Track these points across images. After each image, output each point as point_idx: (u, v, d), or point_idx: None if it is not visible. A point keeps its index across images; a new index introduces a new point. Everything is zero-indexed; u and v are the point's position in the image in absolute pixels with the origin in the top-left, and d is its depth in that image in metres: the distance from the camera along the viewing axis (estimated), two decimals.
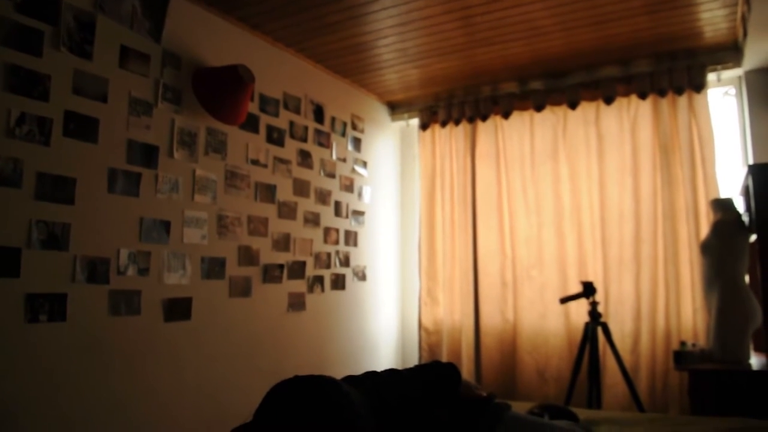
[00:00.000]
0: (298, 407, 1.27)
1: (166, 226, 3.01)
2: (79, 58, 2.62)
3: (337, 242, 4.36)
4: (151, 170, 2.95)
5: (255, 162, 3.63)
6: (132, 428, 2.76)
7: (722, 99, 4.24)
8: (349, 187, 4.54)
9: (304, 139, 4.08)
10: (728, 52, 3.97)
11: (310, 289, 4.03)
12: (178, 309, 3.05)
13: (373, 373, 1.78)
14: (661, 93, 4.13)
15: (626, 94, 4.28)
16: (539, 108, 4.54)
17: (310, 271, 4.05)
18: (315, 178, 4.16)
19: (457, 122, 4.90)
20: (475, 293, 4.69)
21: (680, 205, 4.04)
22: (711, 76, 4.05)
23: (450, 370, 1.83)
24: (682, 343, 3.48)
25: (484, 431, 1.67)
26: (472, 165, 4.83)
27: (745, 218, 3.37)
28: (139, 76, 2.92)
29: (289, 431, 1.24)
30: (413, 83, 4.73)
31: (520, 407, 2.22)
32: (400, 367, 1.92)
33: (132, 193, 2.84)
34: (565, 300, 3.82)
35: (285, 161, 3.88)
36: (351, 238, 4.53)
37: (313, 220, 4.10)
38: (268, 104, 3.77)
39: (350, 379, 1.68)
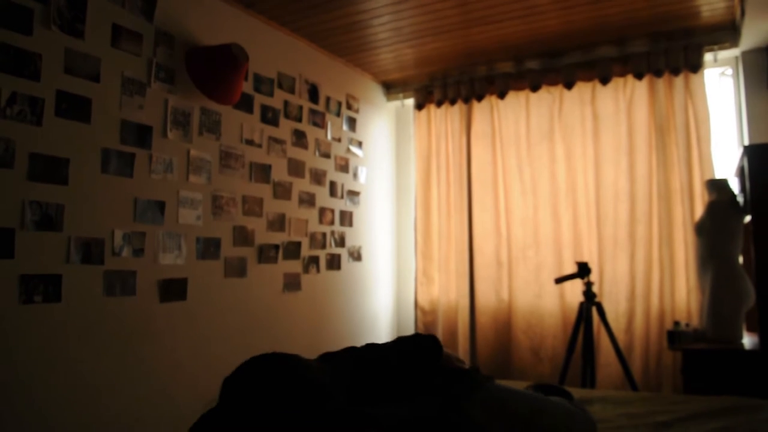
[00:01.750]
0: (257, 389, 1.30)
1: (161, 206, 3.00)
2: (70, 36, 2.59)
3: (332, 222, 4.36)
4: (144, 150, 2.93)
5: (249, 142, 3.61)
6: (128, 408, 2.77)
7: (719, 79, 4.23)
8: (344, 167, 4.53)
9: (299, 119, 4.06)
10: (725, 32, 3.95)
11: (306, 270, 4.04)
12: (173, 289, 3.05)
13: (351, 348, 1.79)
14: (658, 73, 4.11)
15: (622, 75, 4.26)
16: (535, 88, 4.52)
17: (306, 251, 4.05)
18: (310, 158, 4.14)
19: (452, 102, 4.88)
20: (470, 273, 4.70)
21: (675, 186, 4.04)
22: (708, 57, 4.03)
23: (429, 342, 1.84)
24: (676, 323, 3.50)
25: (457, 397, 1.68)
26: (467, 145, 4.81)
27: (740, 199, 3.38)
28: (131, 55, 2.89)
29: (252, 413, 1.26)
30: (408, 63, 4.70)
31: (514, 386, 2.23)
32: None
33: (126, 174, 2.83)
34: (560, 280, 3.83)
35: (280, 141, 3.86)
36: (346, 218, 4.53)
37: (308, 200, 4.10)
38: (262, 84, 3.74)
39: (326, 355, 1.70)
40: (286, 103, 3.93)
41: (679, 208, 4.01)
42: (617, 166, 4.24)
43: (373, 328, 4.80)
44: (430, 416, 1.53)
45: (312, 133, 4.18)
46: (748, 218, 3.27)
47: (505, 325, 4.55)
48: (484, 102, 4.76)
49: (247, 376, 1.36)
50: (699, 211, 3.88)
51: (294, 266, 3.94)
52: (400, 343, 1.84)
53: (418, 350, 1.81)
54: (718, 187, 3.47)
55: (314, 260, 4.13)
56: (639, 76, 4.17)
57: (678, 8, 3.69)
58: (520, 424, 1.68)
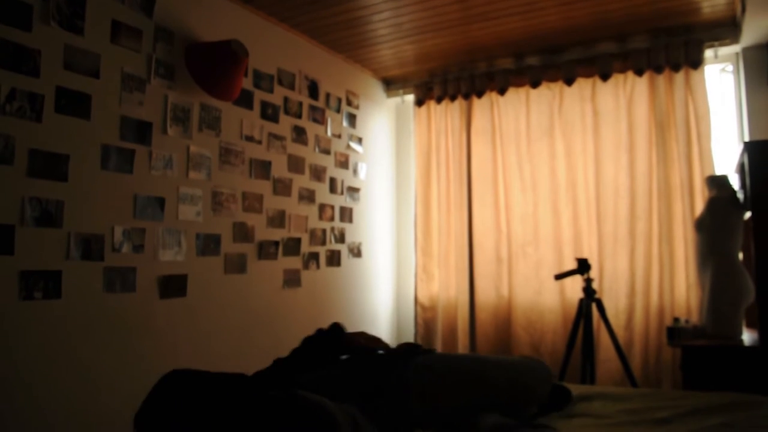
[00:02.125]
0: (180, 402, 1.46)
1: (161, 202, 3.00)
2: (69, 32, 2.58)
3: (332, 219, 4.36)
4: (144, 147, 2.93)
5: (249, 138, 3.61)
6: (128, 405, 2.76)
7: (719, 76, 4.22)
8: (344, 163, 4.52)
9: (299, 116, 4.05)
10: (726, 29, 3.94)
11: (306, 266, 4.04)
12: (173, 286, 3.05)
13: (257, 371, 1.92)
14: (658, 69, 4.11)
15: (623, 71, 4.25)
16: (535, 84, 4.51)
17: (306, 247, 4.05)
18: (310, 154, 4.14)
19: (452, 98, 4.87)
20: (470, 269, 4.71)
21: (675, 182, 4.04)
22: (708, 53, 4.02)
23: (327, 333, 2.07)
24: (676, 320, 3.50)
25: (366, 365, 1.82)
26: (467, 141, 4.81)
27: (740, 195, 3.37)
28: (131, 51, 2.88)
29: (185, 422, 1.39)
30: (408, 59, 4.69)
31: None
32: (394, 344, 2.01)
33: (126, 170, 2.82)
34: (559, 276, 3.83)
35: (279, 137, 3.86)
36: (346, 214, 4.53)
37: (308, 196, 4.10)
38: (262, 80, 3.73)
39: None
40: (285, 100, 3.93)
41: (679, 205, 4.01)
42: (617, 162, 4.24)
43: (373, 325, 4.80)
44: (340, 376, 1.71)
45: (312, 129, 4.17)
46: (748, 215, 3.27)
47: (505, 321, 4.55)
48: (484, 98, 4.76)
49: (164, 398, 1.44)
50: (699, 207, 3.88)
51: (294, 262, 3.94)
52: (304, 341, 2.07)
53: (320, 340, 2.03)
54: (718, 183, 3.46)
55: (314, 256, 4.13)
56: (639, 73, 4.16)
57: (678, 4, 3.68)
58: (465, 375, 1.86)
